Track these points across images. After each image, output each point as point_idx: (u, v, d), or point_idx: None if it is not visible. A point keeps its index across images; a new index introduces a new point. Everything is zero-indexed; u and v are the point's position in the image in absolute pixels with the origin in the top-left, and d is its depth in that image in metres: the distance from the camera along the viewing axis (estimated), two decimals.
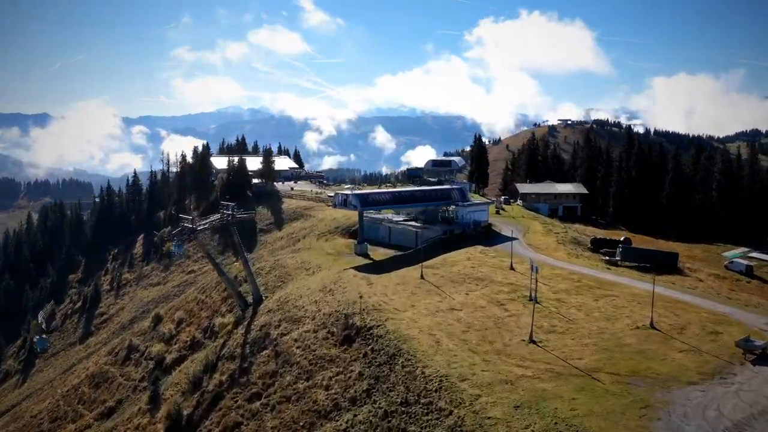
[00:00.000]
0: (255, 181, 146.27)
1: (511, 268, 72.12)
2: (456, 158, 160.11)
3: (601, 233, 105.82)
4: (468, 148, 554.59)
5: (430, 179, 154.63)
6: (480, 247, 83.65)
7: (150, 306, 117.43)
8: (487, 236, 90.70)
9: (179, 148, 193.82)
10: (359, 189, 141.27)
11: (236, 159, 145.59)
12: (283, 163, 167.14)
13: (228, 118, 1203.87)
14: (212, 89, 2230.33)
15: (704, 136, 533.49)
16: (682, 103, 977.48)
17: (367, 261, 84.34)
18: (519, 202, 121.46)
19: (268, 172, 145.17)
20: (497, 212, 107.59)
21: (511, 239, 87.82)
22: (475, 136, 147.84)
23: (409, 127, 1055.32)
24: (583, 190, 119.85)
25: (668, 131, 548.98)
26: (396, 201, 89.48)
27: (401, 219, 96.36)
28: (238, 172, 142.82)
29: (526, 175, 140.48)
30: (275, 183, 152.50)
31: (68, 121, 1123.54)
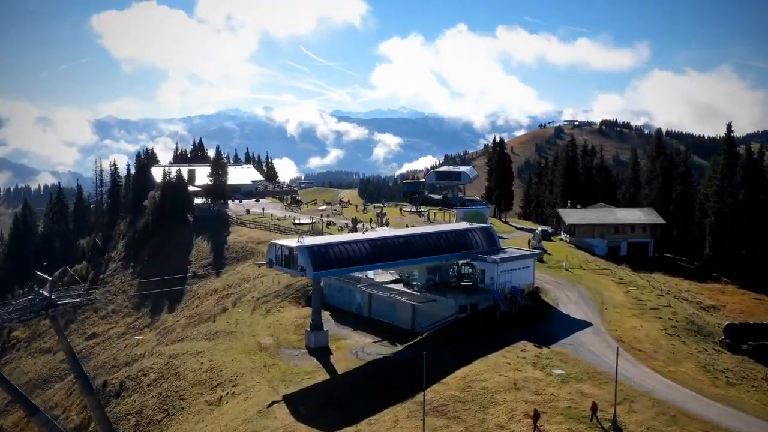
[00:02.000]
0: (198, 201, 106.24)
1: (616, 429, 32.53)
2: (465, 168, 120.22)
3: (704, 291, 66.19)
4: (471, 151, 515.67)
5: (433, 196, 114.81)
6: (531, 348, 44.03)
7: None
8: (537, 315, 50.97)
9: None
10: (329, 217, 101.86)
11: (173, 171, 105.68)
12: (242, 175, 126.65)
13: (227, 120, 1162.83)
14: (212, 92, 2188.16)
15: (718, 137, 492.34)
16: (685, 103, 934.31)
17: (321, 375, 44.56)
18: (563, 236, 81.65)
19: (216, 188, 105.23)
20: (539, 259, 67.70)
21: (586, 325, 48.11)
22: (494, 140, 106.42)
23: (409, 129, 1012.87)
24: (658, 220, 79.99)
25: (681, 132, 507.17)
26: (378, 256, 49.66)
27: (389, 279, 56.67)
28: (174, 189, 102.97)
29: (562, 193, 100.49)
30: (232, 201, 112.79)
31: (64, 124, 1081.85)
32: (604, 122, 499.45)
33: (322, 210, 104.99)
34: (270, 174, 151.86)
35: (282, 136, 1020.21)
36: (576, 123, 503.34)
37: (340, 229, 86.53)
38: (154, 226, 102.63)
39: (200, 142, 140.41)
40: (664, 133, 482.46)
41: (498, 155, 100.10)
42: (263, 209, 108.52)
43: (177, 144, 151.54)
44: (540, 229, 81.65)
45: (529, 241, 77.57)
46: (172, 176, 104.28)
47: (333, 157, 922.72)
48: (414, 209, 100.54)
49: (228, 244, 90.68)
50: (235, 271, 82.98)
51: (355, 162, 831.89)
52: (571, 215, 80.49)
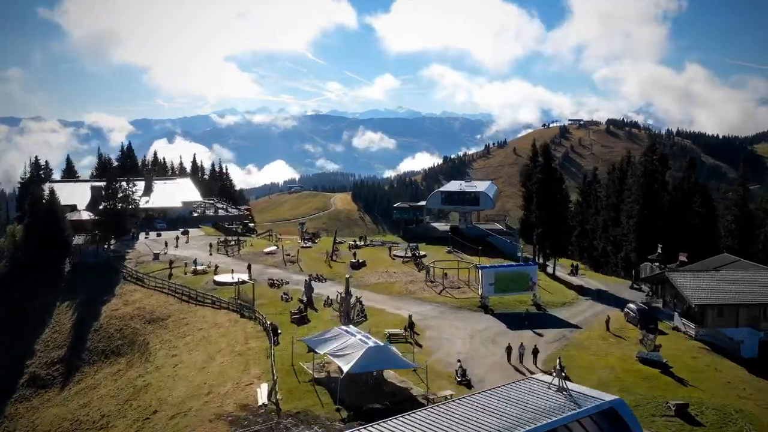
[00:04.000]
0: (78, 241, 68.27)
1: None
2: (483, 185, 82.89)
3: None
4: (472, 151, 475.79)
5: (437, 226, 78.04)
6: None
7: None
8: None
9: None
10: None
11: (47, 190, 68.35)
12: (171, 195, 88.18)
13: (222, 121, 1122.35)
14: (209, 92, 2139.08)
15: (730, 136, 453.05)
16: (685, 103, 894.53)
17: None
18: (679, 321, 44.48)
19: (110, 218, 67.71)
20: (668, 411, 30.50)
21: None
22: (534, 146, 66.89)
23: (406, 128, 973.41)
24: None
25: (693, 132, 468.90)
26: None
27: None
28: (45, 221, 65.47)
29: (636, 226, 63.48)
30: (146, 234, 75.81)
31: (55, 125, 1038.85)
32: (610, 121, 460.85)
33: (271, 251, 67.70)
34: (224, 187, 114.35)
35: (278, 137, 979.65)
36: (581, 122, 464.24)
37: (285, 300, 49.44)
38: (12, 279, 65.33)
39: (129, 147, 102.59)
40: (675, 133, 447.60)
41: (542, 171, 60.98)
42: (178, 244, 71.43)
43: (100, 149, 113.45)
44: (635, 306, 44.65)
45: (639, 328, 41.16)
46: (42, 200, 66.96)
47: (329, 158, 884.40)
48: (410, 253, 63.04)
49: (100, 321, 53.29)
50: (92, 383, 45.88)
51: (351, 163, 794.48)
52: (698, 288, 43.04)
